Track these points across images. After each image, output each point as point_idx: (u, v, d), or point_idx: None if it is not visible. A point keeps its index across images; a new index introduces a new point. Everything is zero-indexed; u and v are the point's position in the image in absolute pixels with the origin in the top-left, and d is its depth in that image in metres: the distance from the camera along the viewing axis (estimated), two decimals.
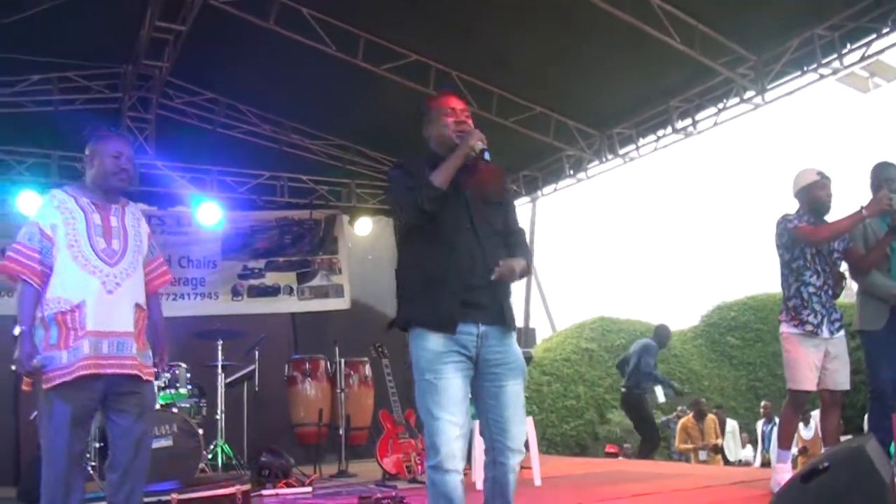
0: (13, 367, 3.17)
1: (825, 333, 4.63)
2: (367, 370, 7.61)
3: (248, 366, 7.17)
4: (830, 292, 4.75)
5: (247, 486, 5.12)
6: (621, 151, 8.30)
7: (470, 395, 2.97)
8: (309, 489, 5.95)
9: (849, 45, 6.14)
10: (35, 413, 4.77)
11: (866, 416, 5.75)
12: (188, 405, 6.51)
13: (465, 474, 2.95)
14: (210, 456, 6.54)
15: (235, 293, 8.96)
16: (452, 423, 2.82)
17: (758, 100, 6.81)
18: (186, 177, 8.53)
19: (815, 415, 8.22)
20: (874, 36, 6.06)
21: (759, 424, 11.15)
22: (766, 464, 10.67)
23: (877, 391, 4.64)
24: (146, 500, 4.66)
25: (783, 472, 4.50)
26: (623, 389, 9.57)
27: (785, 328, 4.76)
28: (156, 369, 6.12)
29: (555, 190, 9.59)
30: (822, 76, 6.36)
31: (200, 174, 8.72)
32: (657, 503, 4.83)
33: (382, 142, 8.85)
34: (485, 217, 3.03)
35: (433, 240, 2.93)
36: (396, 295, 3.08)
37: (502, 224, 3.13)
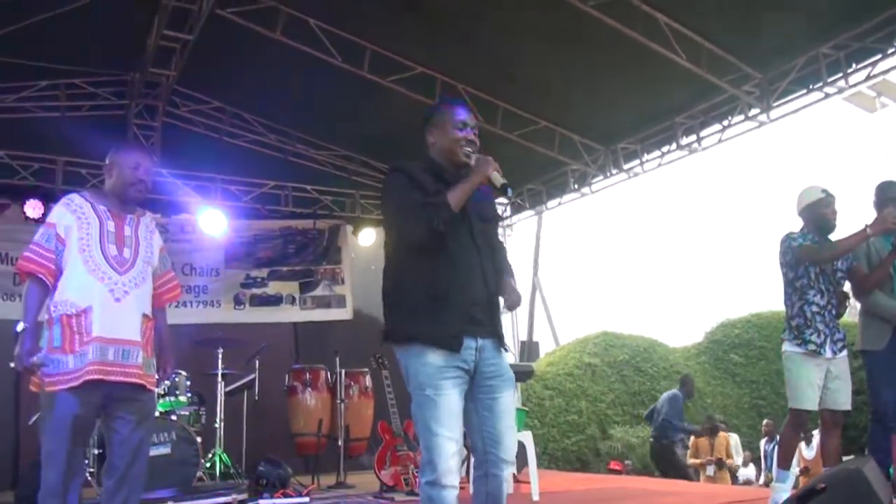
0: (12, 364, 3.20)
1: (828, 353, 4.60)
2: (368, 381, 7.59)
3: (248, 374, 7.16)
4: (834, 312, 4.72)
5: (243, 496, 5.13)
6: (626, 166, 8.31)
7: None
8: (306, 499, 5.91)
9: (854, 65, 6.15)
10: (35, 416, 4.79)
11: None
12: (187, 413, 6.51)
13: (462, 488, 2.93)
14: (208, 464, 6.52)
15: (238, 302, 8.96)
16: (451, 440, 2.79)
17: (763, 117, 6.82)
18: (191, 185, 8.54)
19: (818, 435, 8.17)
20: (879, 56, 6.07)
21: (762, 443, 11.08)
22: (768, 483, 10.60)
23: (878, 412, 4.62)
24: None
25: (781, 492, 4.46)
26: (651, 440, 9.62)
27: (787, 347, 4.73)
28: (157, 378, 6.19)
29: (559, 204, 9.61)
30: (827, 95, 6.36)
31: (205, 182, 8.74)
32: None
33: (387, 153, 8.84)
34: (483, 234, 3.03)
35: (436, 255, 2.87)
36: (392, 308, 2.99)
37: (494, 241, 3.14)
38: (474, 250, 2.95)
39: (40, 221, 5.33)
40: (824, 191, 4.82)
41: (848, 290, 4.90)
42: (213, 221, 8.62)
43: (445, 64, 7.35)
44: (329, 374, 7.54)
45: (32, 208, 7.28)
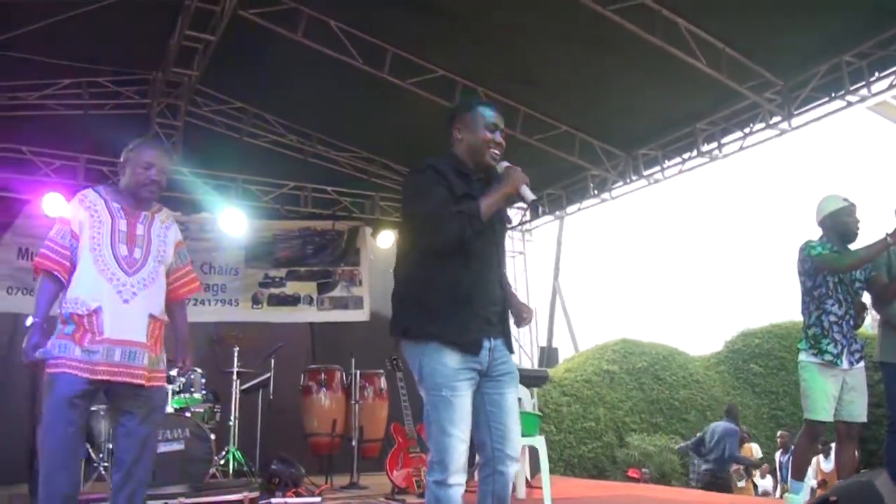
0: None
1: (844, 364, 4.56)
2: (383, 382, 7.59)
3: (264, 373, 7.19)
4: (852, 322, 4.68)
5: (255, 494, 5.14)
6: (646, 173, 8.25)
7: None
8: (318, 499, 5.93)
9: (877, 73, 6.07)
10: None
11: None
12: (202, 410, 6.55)
13: (471, 491, 2.93)
14: (222, 462, 6.55)
15: (255, 301, 9.01)
16: (462, 440, 2.81)
17: (784, 125, 6.75)
18: (212, 184, 8.60)
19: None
20: None
21: (777, 455, 10.95)
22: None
23: (895, 424, 4.56)
24: (154, 502, 4.73)
25: None
26: (705, 471, 9.56)
27: (804, 357, 4.69)
28: (173, 373, 6.22)
29: (579, 209, 9.57)
30: (849, 103, 6.29)
31: (226, 182, 8.79)
32: None
33: (408, 156, 8.88)
34: (500, 236, 3.11)
35: (461, 257, 2.88)
36: (408, 306, 2.98)
37: (504, 242, 3.18)
38: (494, 253, 3.01)
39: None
40: (846, 199, 4.78)
41: (866, 300, 4.85)
42: (232, 221, 8.68)
43: (466, 67, 7.34)
44: (344, 374, 7.55)
45: (53, 204, 7.34)
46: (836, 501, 3.10)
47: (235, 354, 6.81)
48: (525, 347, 10.50)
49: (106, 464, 5.60)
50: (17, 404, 7.24)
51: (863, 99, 6.22)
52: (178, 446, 5.86)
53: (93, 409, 5.00)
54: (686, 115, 7.44)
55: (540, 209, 2.92)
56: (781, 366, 14.86)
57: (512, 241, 10.50)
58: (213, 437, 6.10)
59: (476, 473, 3.04)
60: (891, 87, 6.09)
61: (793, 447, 7.00)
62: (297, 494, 5.99)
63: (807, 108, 6.59)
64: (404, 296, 3.02)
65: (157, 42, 7.01)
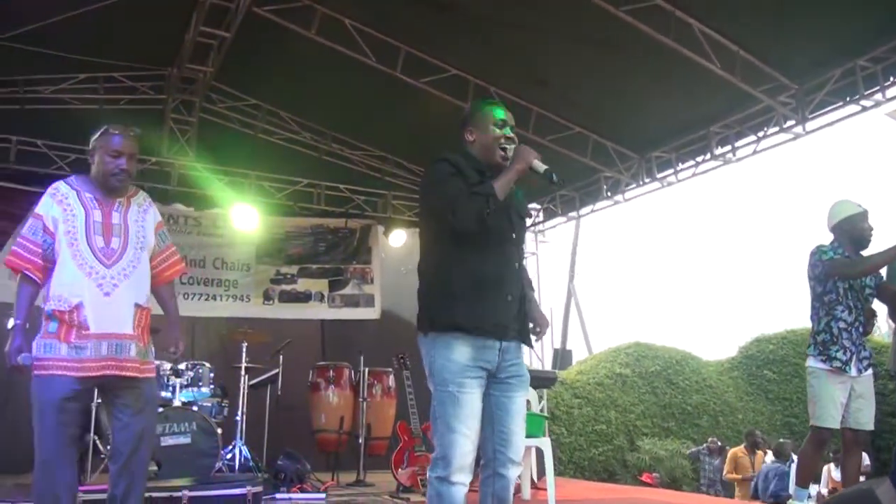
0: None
1: (853, 371, 4.52)
2: (391, 381, 7.60)
3: (273, 369, 7.21)
4: (861, 329, 4.64)
5: (258, 488, 5.14)
6: (659, 175, 8.20)
7: None
8: (323, 495, 5.95)
9: (892, 78, 6.00)
10: None
11: None
12: (210, 404, 6.59)
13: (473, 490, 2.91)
14: (228, 456, 6.58)
15: (267, 297, 9.05)
16: (468, 438, 2.81)
17: (798, 129, 6.69)
18: (225, 180, 8.64)
19: None
20: None
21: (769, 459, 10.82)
22: None
23: None
24: (158, 495, 4.76)
25: None
26: None
27: (812, 362, 4.66)
28: (181, 366, 6.26)
29: (591, 211, 9.53)
30: (864, 108, 6.22)
31: (239, 178, 8.83)
32: None
33: (421, 155, 8.88)
34: (519, 231, 3.11)
35: (480, 246, 2.90)
36: (433, 297, 2.99)
37: (524, 240, 3.16)
38: (513, 245, 3.02)
39: None
40: (859, 205, 4.74)
41: (877, 307, 4.80)
42: (245, 217, 8.72)
43: (479, 66, 7.33)
44: (353, 372, 7.57)
45: None
46: None
47: (244, 350, 6.83)
48: (535, 348, 10.45)
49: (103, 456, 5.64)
50: (27, 393, 7.29)
51: (877, 104, 6.15)
52: (184, 440, 5.90)
53: (99, 400, 5.00)
54: (700, 117, 7.38)
55: (554, 176, 2.88)
56: (796, 372, 14.74)
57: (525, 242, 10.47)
58: (219, 431, 6.13)
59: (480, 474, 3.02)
60: None
61: (794, 455, 6.94)
62: (302, 490, 6.02)
63: (821, 112, 6.53)
64: (427, 288, 3.04)
65: (173, 38, 7.05)
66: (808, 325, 4.82)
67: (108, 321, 3.12)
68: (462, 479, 2.80)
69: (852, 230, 4.63)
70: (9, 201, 7.28)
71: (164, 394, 6.28)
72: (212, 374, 6.64)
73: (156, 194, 8.37)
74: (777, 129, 6.88)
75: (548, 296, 27.99)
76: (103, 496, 3.42)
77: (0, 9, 6.07)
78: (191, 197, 8.64)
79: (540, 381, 8.10)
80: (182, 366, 6.42)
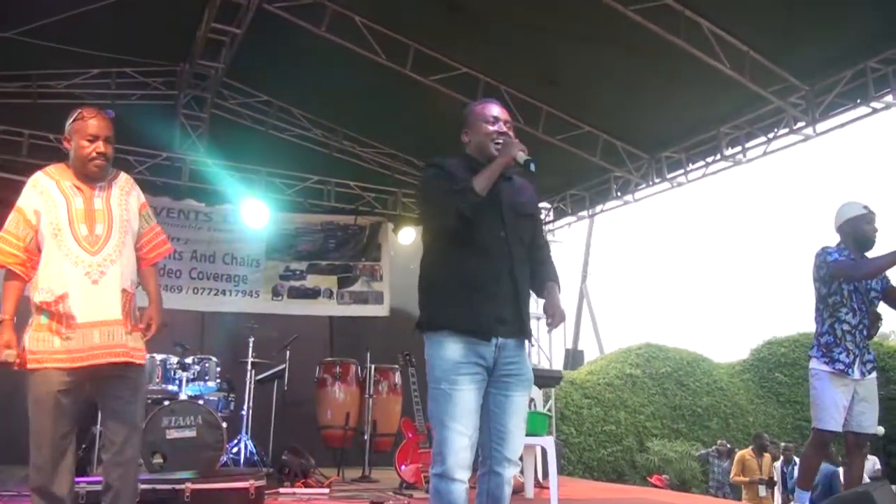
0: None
1: (856, 374, 4.49)
2: (398, 378, 7.60)
3: (281, 365, 7.24)
4: (865, 332, 4.60)
5: (261, 482, 5.15)
6: (669, 175, 8.18)
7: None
8: (326, 491, 5.97)
9: None
10: None
11: None
12: (216, 399, 6.62)
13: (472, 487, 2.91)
14: (234, 450, 6.62)
15: (276, 293, 9.08)
16: (462, 434, 2.80)
17: (808, 131, 6.66)
18: (236, 176, 8.68)
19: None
20: None
21: (778, 465, 10.75)
22: None
23: None
24: (162, 487, 4.79)
25: None
26: None
27: (814, 364, 4.63)
28: (188, 360, 6.28)
29: (601, 210, 9.53)
30: (874, 110, 6.18)
31: (250, 174, 8.87)
32: None
33: (431, 153, 8.80)
34: (515, 228, 3.01)
35: (467, 246, 2.90)
36: (425, 297, 3.02)
37: (529, 237, 3.11)
38: (504, 244, 2.95)
39: None
40: (865, 206, 4.70)
41: (881, 310, 4.76)
42: (255, 213, 8.76)
43: (488, 65, 7.34)
44: (359, 368, 7.59)
45: None
46: None
47: (251, 345, 6.86)
48: (544, 348, 10.45)
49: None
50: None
51: (888, 106, 6.11)
52: (190, 433, 5.93)
53: None
54: (710, 118, 7.36)
55: (533, 166, 2.87)
56: (807, 376, 14.55)
57: None
58: (224, 425, 6.16)
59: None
60: None
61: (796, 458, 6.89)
62: (306, 485, 6.04)
63: (832, 113, 6.49)
64: (421, 289, 3.05)
65: (185, 34, 7.09)
66: None
67: (97, 309, 3.08)
68: (460, 475, 2.78)
69: (855, 232, 4.59)
70: (20, 194, 7.33)
71: (170, 387, 6.32)
72: (218, 369, 6.67)
73: (167, 189, 8.48)
74: (787, 130, 6.86)
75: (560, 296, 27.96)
76: None
77: (14, 4, 6.15)
78: (202, 192, 8.68)
79: (545, 379, 8.13)
80: (189, 360, 6.45)
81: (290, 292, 9.17)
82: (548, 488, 6.08)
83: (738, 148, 7.42)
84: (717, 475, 12.06)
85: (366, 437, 7.24)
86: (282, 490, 5.86)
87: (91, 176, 3.20)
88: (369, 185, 9.48)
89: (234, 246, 8.98)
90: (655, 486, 12.12)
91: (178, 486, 4.82)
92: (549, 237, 10.76)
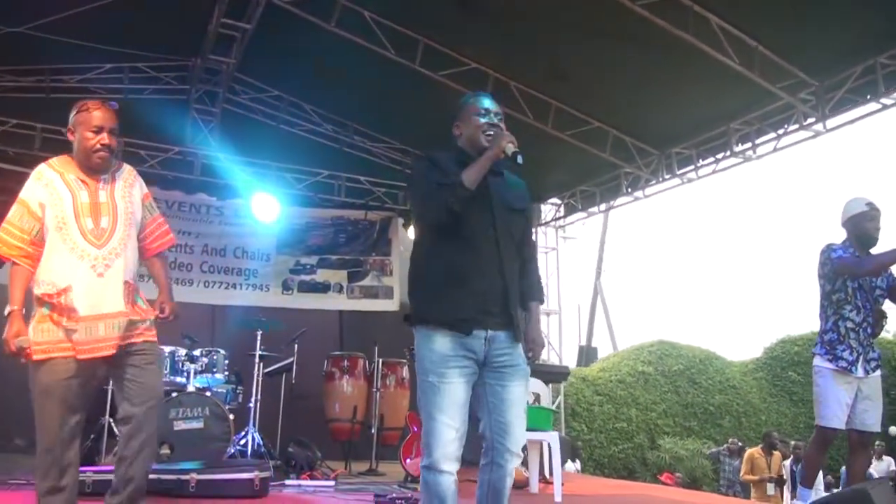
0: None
1: (860, 372, 4.46)
2: (405, 372, 7.64)
3: (290, 358, 7.28)
4: (869, 330, 4.56)
5: (266, 474, 5.20)
6: (679, 172, 8.15)
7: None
8: (332, 483, 5.99)
9: None
10: None
11: None
12: (224, 391, 6.67)
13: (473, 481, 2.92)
14: (242, 442, 6.66)
15: (286, 287, 9.14)
16: (450, 426, 2.80)
17: (819, 127, 6.62)
18: (247, 170, 8.72)
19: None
20: None
21: (788, 463, 10.68)
22: None
23: None
24: (167, 477, 4.84)
25: None
26: None
27: (818, 361, 4.60)
28: (196, 353, 6.33)
29: (612, 207, 9.51)
30: (884, 106, 6.14)
31: (261, 169, 8.92)
32: None
33: (441, 148, 8.85)
34: (505, 223, 3.00)
35: (453, 240, 2.90)
36: (412, 291, 3.02)
37: (520, 233, 3.10)
38: (492, 238, 2.94)
39: None
40: (869, 203, 4.66)
41: (886, 308, 4.73)
42: (266, 207, 8.80)
43: (497, 60, 7.35)
44: (367, 362, 7.62)
45: None
46: None
47: (258, 338, 6.90)
48: (554, 344, 10.45)
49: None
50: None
51: None
52: (197, 424, 5.98)
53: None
54: (720, 114, 7.33)
55: (520, 158, 2.87)
56: None
57: (545, 237, 10.46)
58: (232, 417, 6.20)
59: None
60: None
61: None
62: (312, 478, 6.07)
63: (842, 109, 6.44)
64: (410, 282, 3.06)
65: (197, 29, 7.15)
66: None
67: (101, 302, 3.08)
68: (447, 467, 2.79)
69: (857, 229, 4.56)
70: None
71: (178, 379, 6.37)
72: (226, 361, 6.71)
73: (179, 183, 8.54)
74: (797, 126, 6.81)
75: (574, 292, 27.85)
76: None
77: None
78: (214, 186, 8.74)
79: (551, 375, 8.13)
80: (197, 352, 6.50)
81: (301, 286, 9.22)
82: (552, 483, 6.09)
83: (749, 144, 7.39)
84: (728, 474, 12.01)
85: (373, 431, 7.27)
86: (287, 482, 5.90)
87: (95, 168, 3.19)
88: (380, 180, 9.50)
89: (245, 240, 9.03)
90: (665, 485, 12.09)
91: (182, 477, 4.88)
92: (560, 233, 10.79)
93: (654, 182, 8.54)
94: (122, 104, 6.96)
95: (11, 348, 3.01)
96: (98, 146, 3.15)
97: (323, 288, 9.31)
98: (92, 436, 5.90)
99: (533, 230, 2.84)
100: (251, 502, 4.89)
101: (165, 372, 6.34)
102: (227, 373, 6.70)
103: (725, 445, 12.44)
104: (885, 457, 12.16)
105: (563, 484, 5.87)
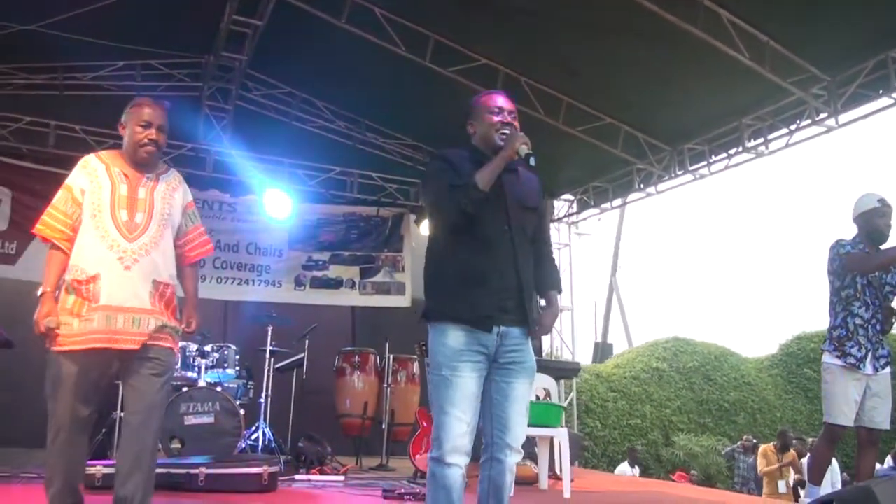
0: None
1: (868, 369, 4.44)
2: (416, 368, 7.65)
3: (302, 353, 7.30)
4: (879, 326, 4.54)
5: (275, 468, 5.24)
6: (692, 167, 8.11)
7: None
8: (341, 478, 6.03)
9: None
10: None
11: None
12: (235, 386, 6.71)
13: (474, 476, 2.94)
14: (254, 437, 6.70)
15: (298, 283, 9.18)
16: (461, 420, 2.83)
17: (831, 122, 6.56)
18: (260, 167, 8.76)
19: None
20: None
21: (805, 461, 10.61)
22: None
23: None
24: (176, 471, 4.89)
25: None
26: None
27: (827, 358, 4.60)
28: (207, 348, 6.37)
29: (624, 203, 9.49)
30: None
31: (273, 165, 8.95)
32: None
33: (453, 144, 8.84)
34: (520, 221, 3.03)
35: (469, 238, 2.92)
36: (428, 288, 3.06)
37: (533, 230, 3.11)
38: (508, 236, 2.96)
39: None
40: (881, 200, 4.63)
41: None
42: (279, 203, 8.83)
43: (508, 56, 7.34)
44: (378, 358, 7.64)
45: None
46: (832, 502, 3.03)
47: (269, 333, 6.93)
48: (567, 340, 10.44)
49: None
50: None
51: None
52: (207, 419, 6.02)
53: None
54: (731, 109, 7.29)
55: (532, 160, 2.89)
56: None
57: (558, 232, 10.44)
58: (242, 412, 6.24)
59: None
60: None
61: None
62: (322, 472, 6.10)
63: (854, 105, 6.39)
64: (426, 279, 3.10)
65: (209, 26, 7.19)
66: None
67: (125, 295, 3.11)
68: (456, 460, 2.81)
69: (868, 225, 4.53)
70: (48, 184, 7.47)
71: (188, 374, 6.42)
72: (237, 357, 6.75)
73: (192, 180, 8.42)
74: (809, 121, 6.76)
75: (589, 288, 27.77)
76: None
77: None
78: (226, 183, 8.79)
79: (562, 371, 8.13)
80: (208, 347, 6.54)
81: (313, 282, 9.26)
82: (560, 479, 6.09)
83: (761, 139, 7.34)
84: (742, 471, 11.96)
85: (384, 427, 7.30)
86: (297, 477, 5.94)
87: (141, 162, 3.27)
88: (392, 177, 9.52)
89: (258, 236, 9.08)
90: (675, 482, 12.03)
91: (192, 471, 4.93)
92: (573, 230, 10.77)
93: (666, 178, 8.50)
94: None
95: (41, 329, 3.04)
96: (145, 140, 3.22)
97: (335, 284, 9.35)
98: (104, 430, 5.96)
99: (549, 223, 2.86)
100: (260, 497, 4.94)
101: (177, 367, 6.39)
102: (238, 368, 6.75)
103: (739, 443, 12.37)
104: None
105: (572, 480, 5.87)
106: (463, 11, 6.83)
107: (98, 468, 4.68)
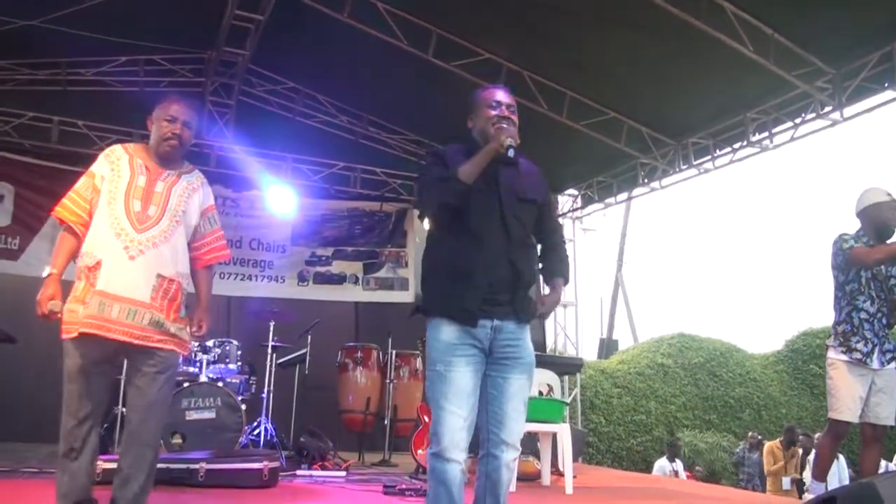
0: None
1: (874, 364, 4.40)
2: (419, 363, 7.64)
3: (304, 349, 7.30)
4: (885, 321, 4.50)
5: (276, 464, 5.24)
6: (696, 162, 8.06)
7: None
8: (343, 473, 6.03)
9: None
10: None
11: None
12: (237, 381, 6.71)
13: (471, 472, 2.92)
14: (256, 432, 6.70)
15: (301, 279, 9.17)
16: (457, 415, 2.81)
17: (836, 115, 6.50)
18: (263, 162, 8.75)
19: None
20: None
21: (811, 458, 10.57)
22: None
23: None
24: (176, 466, 4.88)
25: None
26: None
27: (832, 353, 4.57)
28: (209, 343, 6.37)
29: (629, 198, 9.45)
30: None
31: (277, 161, 8.95)
32: None
33: (457, 139, 8.81)
34: (516, 214, 2.99)
35: (461, 232, 2.91)
36: (423, 284, 3.06)
37: (532, 221, 3.09)
38: (501, 229, 2.94)
39: None
40: (888, 194, 4.59)
41: None
42: (282, 199, 8.83)
43: (511, 50, 7.30)
44: (381, 353, 7.64)
45: None
46: (833, 499, 2.99)
47: (271, 328, 6.93)
48: (571, 335, 10.42)
49: None
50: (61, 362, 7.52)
51: None
52: (209, 414, 6.04)
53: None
54: (736, 103, 7.22)
55: (511, 152, 2.89)
56: None
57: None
58: (244, 407, 6.24)
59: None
60: None
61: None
62: (324, 468, 6.10)
63: (859, 98, 6.33)
64: (421, 274, 3.10)
65: (211, 21, 7.15)
66: None
67: (124, 285, 3.09)
68: (454, 455, 2.79)
69: (877, 219, 4.49)
70: (51, 179, 7.52)
71: (190, 369, 6.43)
72: (239, 352, 6.75)
73: None
74: (814, 115, 6.70)
75: (594, 284, 27.71)
76: None
77: None
78: (229, 178, 8.78)
79: (565, 366, 8.10)
80: (210, 342, 6.55)
81: (316, 278, 9.25)
82: (562, 475, 6.07)
83: (766, 133, 7.28)
84: (747, 467, 11.93)
85: (386, 422, 7.30)
86: (298, 472, 5.94)
87: (164, 156, 3.30)
88: (395, 172, 9.50)
89: (261, 232, 9.08)
90: None
91: (192, 466, 4.93)
92: (578, 225, 10.73)
93: (671, 172, 8.45)
94: (136, 97, 7.06)
95: (43, 310, 3.04)
96: (169, 134, 3.27)
97: (338, 279, 9.34)
98: (105, 425, 5.95)
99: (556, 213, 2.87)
100: (260, 492, 4.93)
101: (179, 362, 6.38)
102: (240, 363, 6.75)
103: (746, 441, 12.34)
104: None
105: (575, 476, 5.86)
106: (465, 5, 6.80)
107: (98, 463, 4.65)
